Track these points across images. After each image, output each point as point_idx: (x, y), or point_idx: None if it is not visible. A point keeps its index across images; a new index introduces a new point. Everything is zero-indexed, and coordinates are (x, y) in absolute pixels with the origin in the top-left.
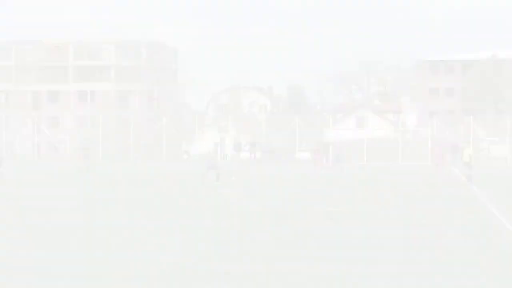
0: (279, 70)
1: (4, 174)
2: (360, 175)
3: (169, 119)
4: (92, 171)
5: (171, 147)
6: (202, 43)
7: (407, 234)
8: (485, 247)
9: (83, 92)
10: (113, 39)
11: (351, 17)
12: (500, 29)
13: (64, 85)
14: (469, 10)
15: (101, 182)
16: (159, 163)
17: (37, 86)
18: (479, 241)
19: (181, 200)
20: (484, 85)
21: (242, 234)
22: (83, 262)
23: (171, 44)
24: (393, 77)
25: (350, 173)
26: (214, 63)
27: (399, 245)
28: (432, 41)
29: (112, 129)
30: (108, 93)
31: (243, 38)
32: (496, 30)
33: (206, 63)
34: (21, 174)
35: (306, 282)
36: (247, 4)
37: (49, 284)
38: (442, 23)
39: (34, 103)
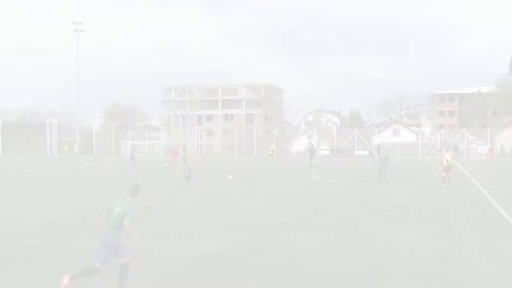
0: (345, 99)
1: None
2: (397, 165)
3: (277, 131)
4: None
5: (279, 148)
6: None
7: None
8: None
9: (227, 115)
10: (244, 83)
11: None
12: (484, 73)
13: (215, 111)
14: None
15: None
16: (274, 158)
17: (200, 112)
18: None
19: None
20: (473, 109)
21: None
22: None
23: (278, 84)
24: (415, 104)
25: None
26: (304, 93)
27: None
28: (442, 80)
29: (243, 137)
30: (241, 116)
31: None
32: (481, 74)
33: (299, 94)
34: None
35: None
36: None
37: None
38: (448, 70)
39: (198, 122)
